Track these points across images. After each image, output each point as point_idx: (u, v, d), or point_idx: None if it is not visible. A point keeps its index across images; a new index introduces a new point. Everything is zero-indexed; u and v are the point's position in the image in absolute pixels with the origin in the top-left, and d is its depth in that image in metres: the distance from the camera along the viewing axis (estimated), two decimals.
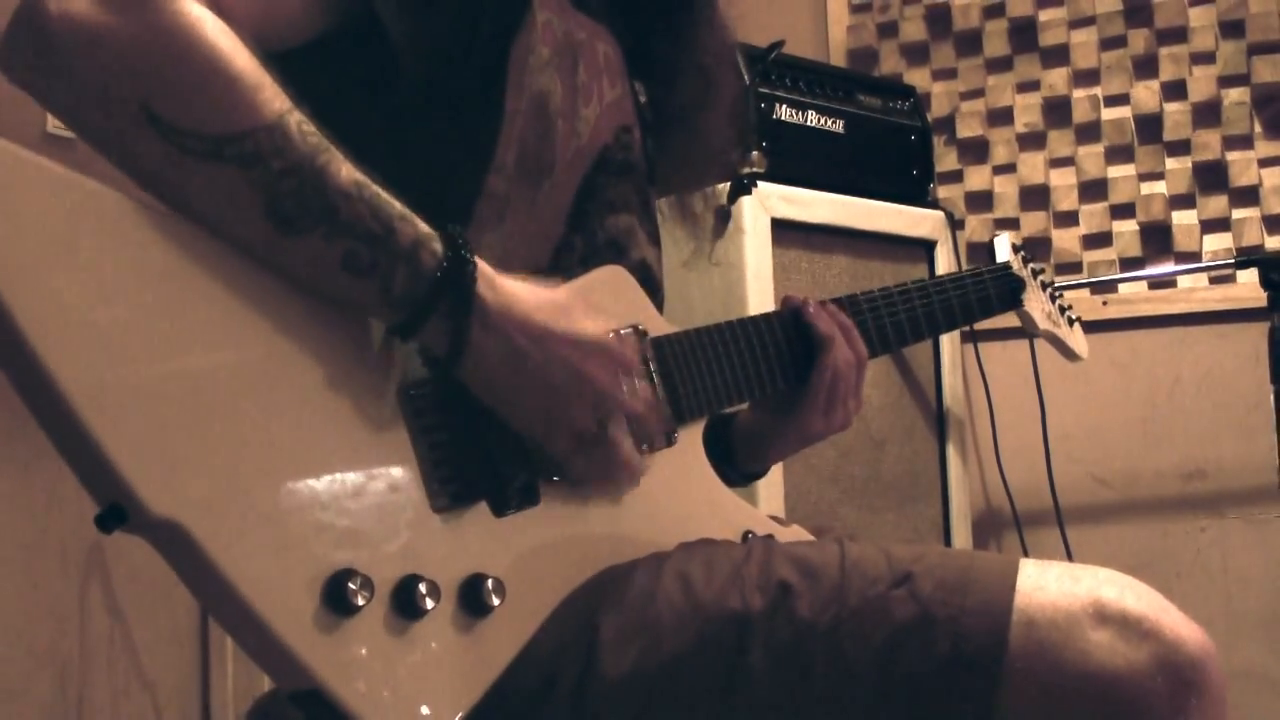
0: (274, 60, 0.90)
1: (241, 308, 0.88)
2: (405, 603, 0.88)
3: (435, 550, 0.92)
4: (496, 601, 0.93)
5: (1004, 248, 1.59)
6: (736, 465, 1.33)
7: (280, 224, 0.88)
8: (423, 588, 0.89)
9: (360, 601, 0.85)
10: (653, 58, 1.29)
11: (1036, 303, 1.59)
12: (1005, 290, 1.50)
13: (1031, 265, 1.60)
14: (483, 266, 0.95)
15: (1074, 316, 1.69)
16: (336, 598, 0.85)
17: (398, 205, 0.92)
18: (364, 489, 0.90)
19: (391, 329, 0.93)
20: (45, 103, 0.87)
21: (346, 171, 0.89)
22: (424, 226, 0.93)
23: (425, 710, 0.89)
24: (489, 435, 0.98)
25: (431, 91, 1.03)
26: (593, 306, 1.03)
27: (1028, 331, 1.61)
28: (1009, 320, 1.60)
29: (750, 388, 1.21)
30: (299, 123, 0.88)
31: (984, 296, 1.46)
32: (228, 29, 0.87)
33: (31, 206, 0.80)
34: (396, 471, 0.93)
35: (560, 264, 1.12)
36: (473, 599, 0.93)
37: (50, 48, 0.84)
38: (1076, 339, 1.68)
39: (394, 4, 1.00)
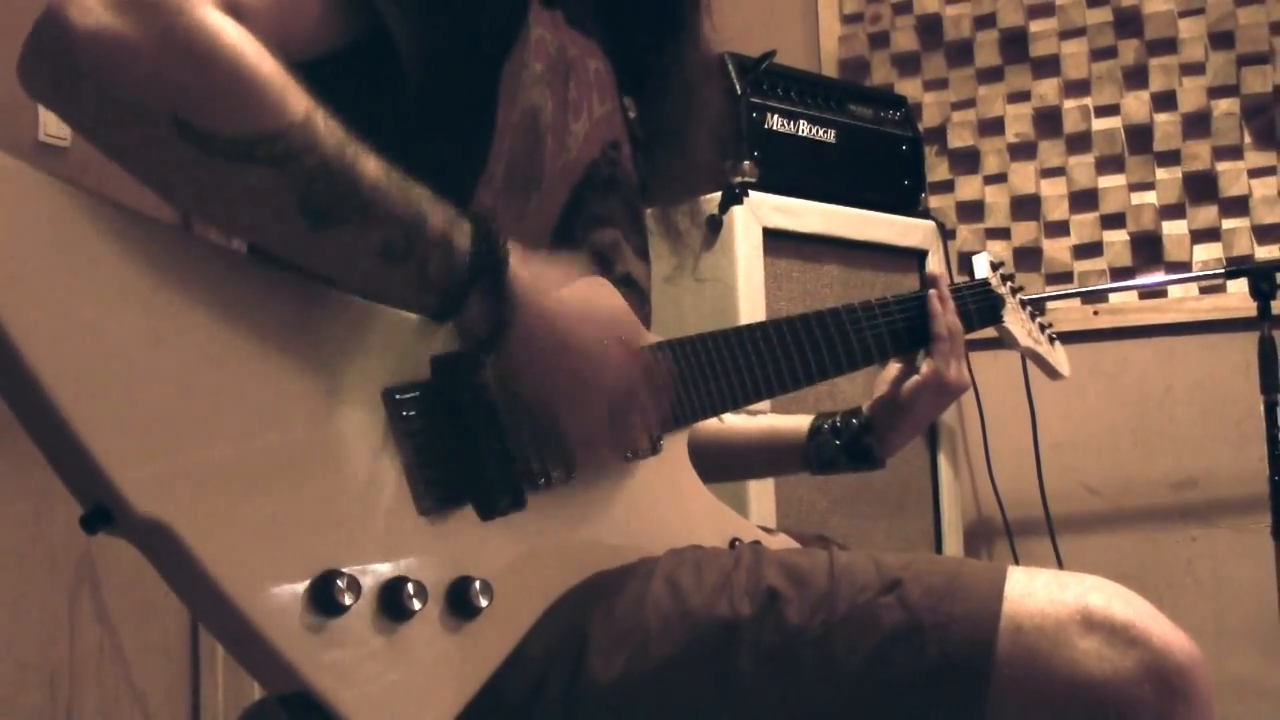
0: None
1: (227, 310, 0.88)
2: (392, 604, 0.88)
3: (422, 552, 0.92)
4: (484, 603, 0.93)
5: (982, 266, 1.59)
6: (876, 452, 1.41)
7: (315, 218, 0.89)
8: (410, 589, 0.89)
9: (347, 602, 0.85)
10: (641, 74, 1.30)
11: (1017, 320, 1.59)
12: (985, 306, 1.51)
13: (1010, 283, 1.61)
14: (513, 243, 0.98)
15: (1054, 335, 1.69)
16: (323, 598, 0.85)
17: (424, 190, 0.94)
18: (350, 490, 0.90)
19: (429, 312, 0.96)
20: (69, 118, 0.87)
21: (374, 162, 0.91)
22: (452, 209, 0.95)
23: (415, 711, 0.89)
24: (476, 438, 0.98)
25: (427, 104, 1.04)
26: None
27: (1009, 347, 1.62)
28: None
29: (738, 396, 1.22)
30: (325, 118, 0.89)
31: (964, 312, 1.47)
32: (248, 33, 0.88)
33: (21, 214, 0.80)
34: (383, 474, 0.93)
35: None
36: (460, 601, 0.92)
37: (75, 64, 0.83)
38: (1058, 357, 1.68)
39: (399, 11, 1.00)
